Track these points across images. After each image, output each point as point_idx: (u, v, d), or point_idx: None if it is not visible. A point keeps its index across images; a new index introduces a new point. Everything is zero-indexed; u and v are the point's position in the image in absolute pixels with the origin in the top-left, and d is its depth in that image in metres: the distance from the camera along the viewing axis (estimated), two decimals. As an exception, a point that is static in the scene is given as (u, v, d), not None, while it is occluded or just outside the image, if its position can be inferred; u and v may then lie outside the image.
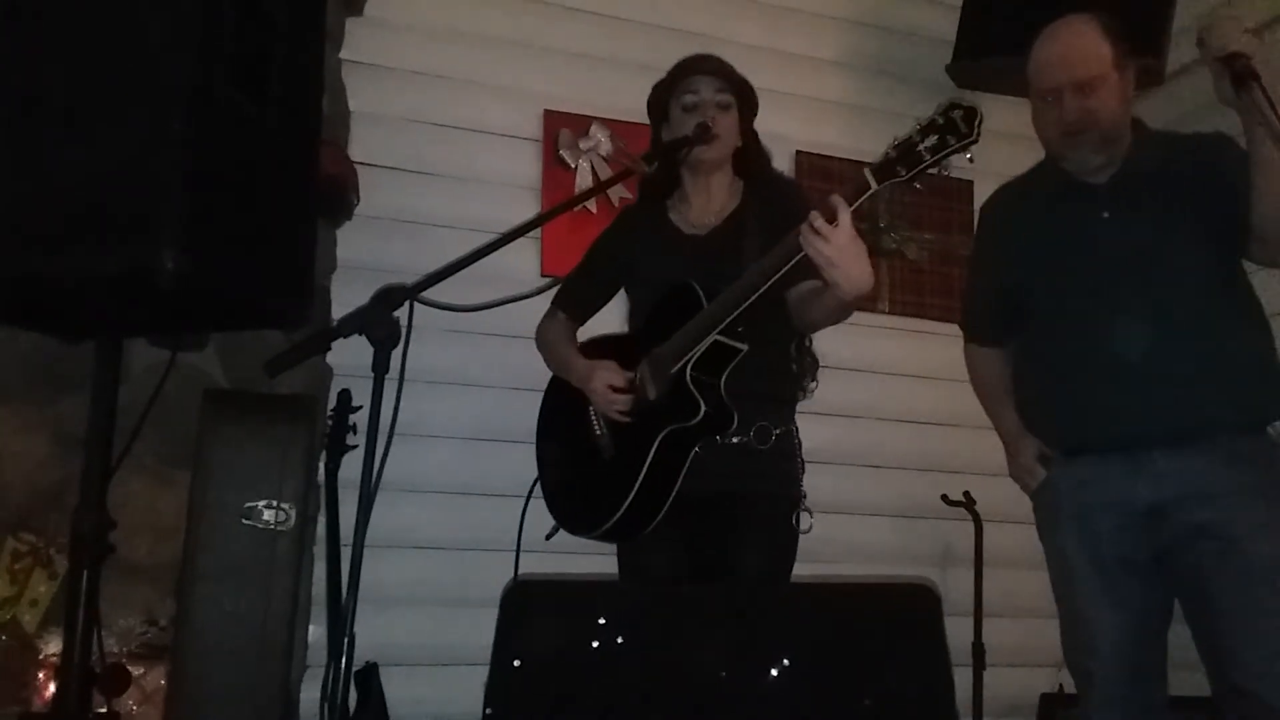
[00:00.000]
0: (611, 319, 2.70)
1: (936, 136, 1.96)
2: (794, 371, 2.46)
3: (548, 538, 2.45)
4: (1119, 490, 2.19)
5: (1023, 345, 2.44)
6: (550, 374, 2.58)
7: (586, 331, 2.65)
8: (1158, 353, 2.16)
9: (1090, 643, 2.23)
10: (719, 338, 2.20)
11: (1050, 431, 2.35)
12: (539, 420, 2.57)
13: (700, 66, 2.43)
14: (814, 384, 2.49)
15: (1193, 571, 2.14)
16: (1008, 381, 2.47)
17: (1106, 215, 2.26)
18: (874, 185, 1.98)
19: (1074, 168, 2.28)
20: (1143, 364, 2.16)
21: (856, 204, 1.98)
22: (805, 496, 2.38)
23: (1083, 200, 2.28)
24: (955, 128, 1.95)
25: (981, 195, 3.94)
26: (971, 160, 1.96)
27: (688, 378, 2.22)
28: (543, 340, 2.59)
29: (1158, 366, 2.16)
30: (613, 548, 2.47)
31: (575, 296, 2.63)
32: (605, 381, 2.34)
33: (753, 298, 2.13)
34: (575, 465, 2.44)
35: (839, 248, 1.94)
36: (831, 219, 1.94)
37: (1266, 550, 2.07)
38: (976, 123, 1.95)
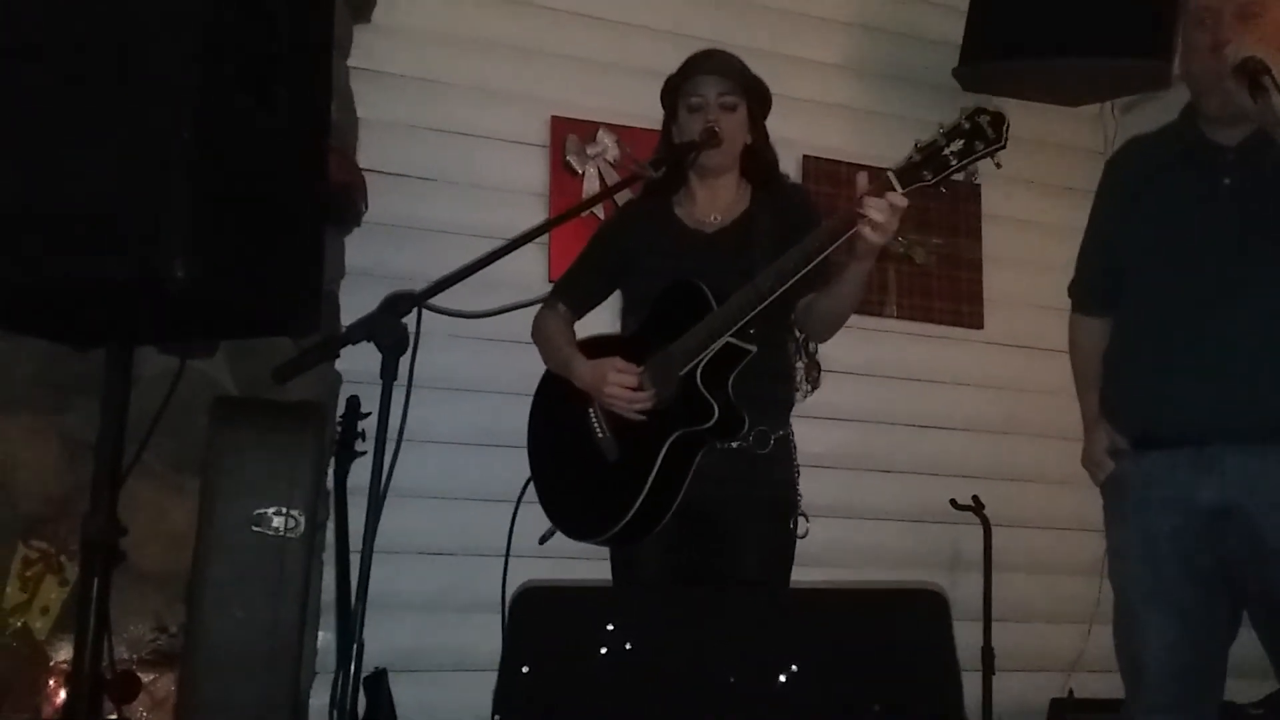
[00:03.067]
0: (602, 316, 2.65)
1: (963, 141, 1.97)
2: (792, 375, 2.45)
3: (542, 541, 2.41)
4: (1183, 487, 2.07)
5: (1117, 321, 2.29)
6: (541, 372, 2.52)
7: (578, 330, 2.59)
8: (1241, 344, 2.03)
9: (1141, 644, 2.13)
10: (731, 339, 2.19)
11: (1123, 420, 2.21)
12: (531, 421, 2.50)
13: (706, 65, 2.39)
14: (812, 388, 2.47)
15: (1260, 581, 2.04)
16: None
17: (1228, 182, 2.10)
18: (899, 189, 1.99)
19: (1214, 111, 2.10)
20: (1222, 354, 2.04)
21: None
22: (802, 500, 2.37)
23: (1207, 163, 2.13)
24: (983, 133, 1.96)
25: (990, 199, 3.98)
26: (999, 166, 1.96)
27: (698, 380, 2.22)
28: (541, 333, 2.51)
29: (1239, 359, 2.03)
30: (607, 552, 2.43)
31: (578, 288, 2.56)
32: (621, 381, 2.28)
33: (773, 296, 2.13)
34: (576, 468, 2.38)
35: (895, 219, 1.98)
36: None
37: None
38: (1004, 128, 1.96)
